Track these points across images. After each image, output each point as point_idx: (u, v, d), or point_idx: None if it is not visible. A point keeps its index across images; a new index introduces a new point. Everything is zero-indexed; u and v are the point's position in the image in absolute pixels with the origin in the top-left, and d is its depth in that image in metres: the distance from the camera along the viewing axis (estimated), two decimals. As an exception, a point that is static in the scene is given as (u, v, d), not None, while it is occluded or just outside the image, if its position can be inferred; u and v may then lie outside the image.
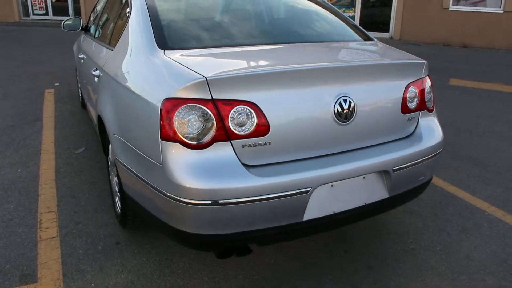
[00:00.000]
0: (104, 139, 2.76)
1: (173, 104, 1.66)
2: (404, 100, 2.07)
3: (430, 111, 2.26)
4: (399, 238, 2.59)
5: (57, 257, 2.32)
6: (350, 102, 1.87)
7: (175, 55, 1.93)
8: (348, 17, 2.86)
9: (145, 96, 1.81)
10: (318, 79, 1.81)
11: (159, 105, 1.70)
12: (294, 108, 1.77)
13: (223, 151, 1.67)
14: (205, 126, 1.66)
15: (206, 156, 1.65)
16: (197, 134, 1.66)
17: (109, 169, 2.68)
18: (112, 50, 2.49)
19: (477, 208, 2.96)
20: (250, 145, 1.71)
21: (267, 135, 1.73)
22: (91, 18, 4.23)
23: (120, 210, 2.41)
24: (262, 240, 1.81)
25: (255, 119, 1.70)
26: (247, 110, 1.69)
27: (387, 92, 2.00)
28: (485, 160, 3.79)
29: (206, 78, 1.63)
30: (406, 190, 2.12)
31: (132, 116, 1.91)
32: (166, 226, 1.82)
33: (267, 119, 1.72)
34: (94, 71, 2.71)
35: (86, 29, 4.14)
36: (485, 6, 10.05)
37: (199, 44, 2.13)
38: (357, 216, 1.98)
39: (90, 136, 4.14)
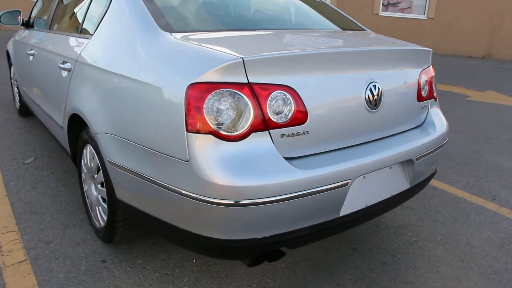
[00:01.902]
0: (75, 143, 2.39)
1: (202, 89, 1.43)
2: (418, 88, 2.02)
3: (436, 100, 2.24)
4: (399, 232, 2.55)
5: (32, 284, 1.93)
6: (378, 88, 1.77)
7: (186, 37, 1.69)
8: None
9: (158, 84, 1.55)
10: (351, 63, 1.69)
11: (182, 92, 1.45)
12: (330, 94, 1.63)
13: (261, 142, 1.47)
14: (241, 114, 1.45)
15: (243, 149, 1.44)
16: (233, 124, 1.45)
17: (83, 176, 2.32)
18: (89, 39, 2.15)
19: (459, 198, 3.03)
20: (288, 135, 1.53)
21: (305, 123, 1.56)
22: (34, 12, 3.75)
23: (107, 222, 2.08)
24: (297, 242, 1.63)
25: (293, 105, 1.53)
26: (284, 96, 1.51)
27: (405, 78, 1.94)
28: (450, 153, 3.95)
29: (243, 59, 1.43)
30: (422, 180, 2.07)
31: (138, 109, 1.63)
32: (186, 235, 1.57)
33: (305, 106, 1.55)
34: (62, 63, 2.34)
35: (28, 24, 3.66)
36: (411, 13, 10.77)
37: (205, 27, 1.90)
38: (383, 209, 1.88)
39: (37, 145, 3.64)
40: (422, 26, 10.62)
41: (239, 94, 1.44)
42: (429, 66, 2.14)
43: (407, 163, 1.91)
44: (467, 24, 10.38)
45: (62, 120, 2.45)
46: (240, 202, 1.40)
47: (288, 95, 1.51)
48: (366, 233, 2.51)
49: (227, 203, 1.40)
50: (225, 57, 1.44)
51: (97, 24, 2.13)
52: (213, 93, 1.43)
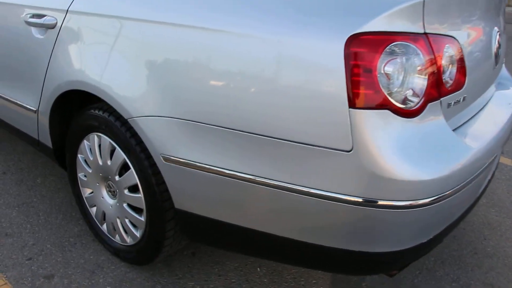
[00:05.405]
0: (62, 135, 1.72)
1: (373, 43, 0.95)
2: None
3: None
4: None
5: None
6: (499, 40, 1.46)
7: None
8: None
9: (282, 39, 1.02)
10: (487, 10, 1.34)
11: (339, 48, 0.95)
12: (476, 48, 1.27)
13: (435, 116, 1.07)
14: (418, 78, 1.01)
15: (422, 126, 1.03)
16: (408, 93, 1.00)
17: (83, 178, 1.68)
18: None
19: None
20: (452, 104, 1.15)
21: (464, 87, 1.18)
22: None
23: (146, 238, 1.50)
24: (444, 237, 1.28)
25: (456, 64, 1.13)
26: (449, 51, 1.10)
27: (500, 27, 1.65)
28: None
29: None
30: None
31: (241, 80, 1.08)
32: (323, 252, 1.12)
33: (465, 65, 1.16)
34: (35, 17, 1.59)
35: None
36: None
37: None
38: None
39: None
40: None
41: (416, 50, 1.00)
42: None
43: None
44: None
45: (36, 102, 1.72)
46: (434, 199, 1.00)
47: (452, 51, 1.11)
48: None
49: (419, 204, 0.98)
50: None
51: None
52: (387, 48, 0.96)
